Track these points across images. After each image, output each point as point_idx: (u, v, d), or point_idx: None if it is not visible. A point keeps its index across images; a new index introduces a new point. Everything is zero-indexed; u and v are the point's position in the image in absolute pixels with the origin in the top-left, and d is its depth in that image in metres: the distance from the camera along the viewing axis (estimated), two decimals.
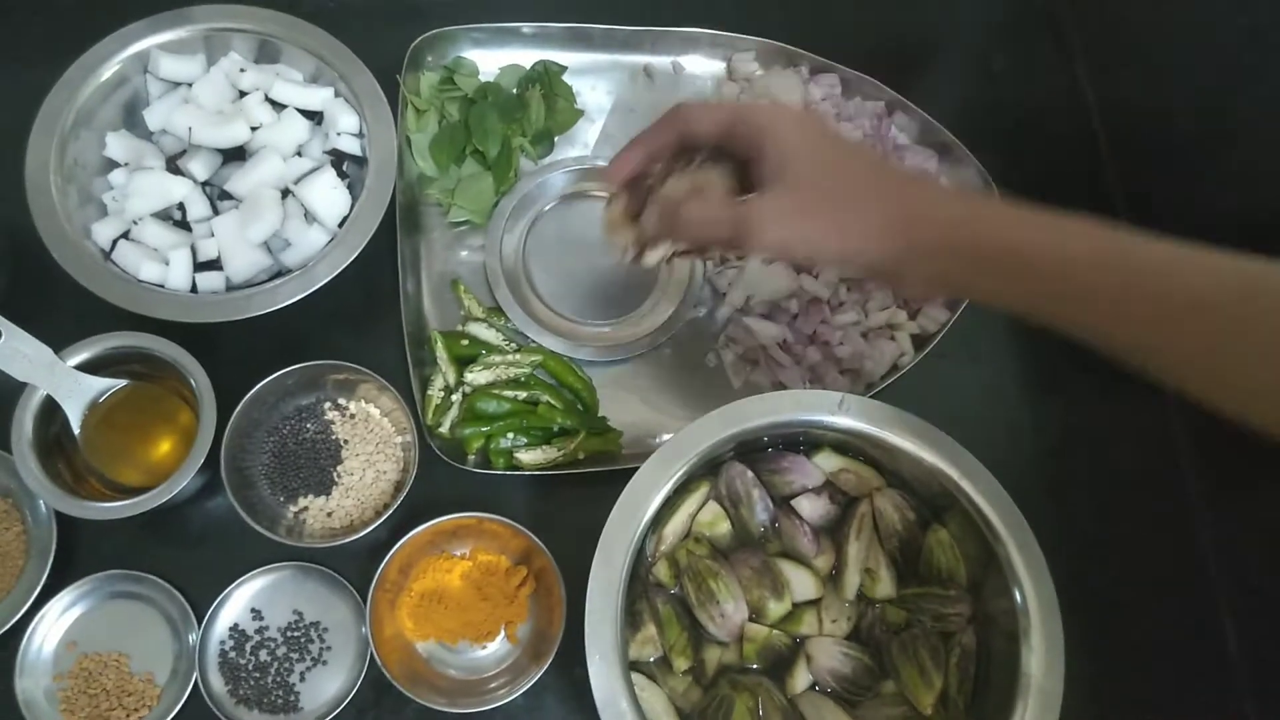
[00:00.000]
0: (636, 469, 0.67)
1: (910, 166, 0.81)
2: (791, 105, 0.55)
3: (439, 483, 0.72)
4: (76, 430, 0.66)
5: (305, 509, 0.71)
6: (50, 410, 0.66)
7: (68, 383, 0.65)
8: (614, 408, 0.77)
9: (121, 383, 0.67)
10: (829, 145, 0.55)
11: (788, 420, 0.62)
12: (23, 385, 0.65)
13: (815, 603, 0.64)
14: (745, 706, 0.60)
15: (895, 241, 0.53)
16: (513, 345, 0.76)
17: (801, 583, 0.63)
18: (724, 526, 0.65)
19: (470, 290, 0.78)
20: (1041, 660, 0.57)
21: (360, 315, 0.78)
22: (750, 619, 0.62)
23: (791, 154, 0.54)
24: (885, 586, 0.63)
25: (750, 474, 0.65)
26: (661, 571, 0.63)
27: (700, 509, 0.65)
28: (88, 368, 0.66)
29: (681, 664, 0.61)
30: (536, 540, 0.68)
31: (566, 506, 0.71)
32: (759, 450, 0.66)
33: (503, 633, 0.70)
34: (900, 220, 0.53)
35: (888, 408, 0.62)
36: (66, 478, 0.66)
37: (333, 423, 0.73)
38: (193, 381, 0.66)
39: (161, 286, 0.69)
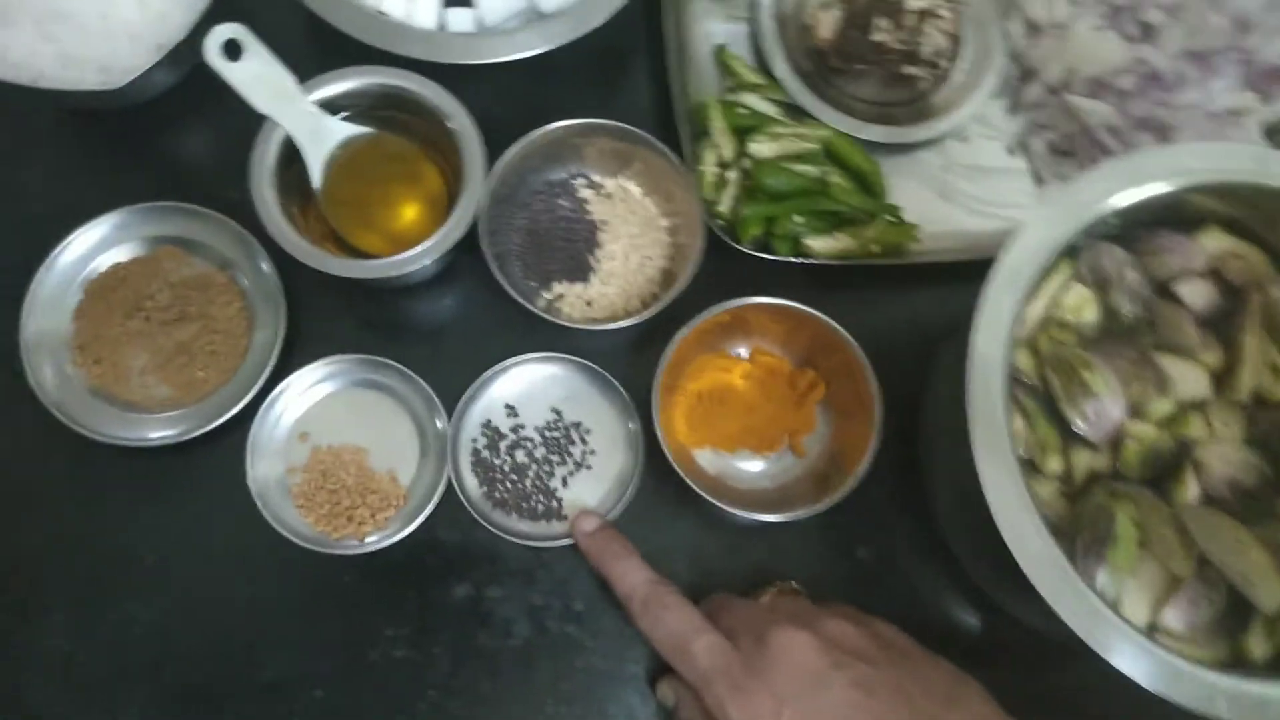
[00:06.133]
0: (931, 266, 0.60)
1: None
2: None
3: (710, 270, 0.61)
4: (316, 182, 0.56)
5: (560, 296, 0.61)
6: (284, 158, 0.56)
7: (309, 122, 0.55)
8: (900, 199, 0.66)
9: (367, 130, 0.57)
10: None
11: (1204, 183, 0.51)
12: (246, 131, 0.56)
13: (1200, 405, 0.53)
14: (1128, 517, 0.50)
15: None
16: (789, 120, 0.65)
17: (1187, 379, 0.52)
18: (1090, 313, 0.54)
19: (740, 57, 0.66)
20: None
21: (611, 81, 0.67)
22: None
23: None
24: None
25: (1121, 251, 0.54)
26: (1021, 360, 0.53)
27: (1062, 290, 0.54)
28: (326, 110, 0.56)
29: (1054, 465, 0.51)
30: (843, 332, 0.58)
31: (856, 304, 0.61)
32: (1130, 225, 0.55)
33: (786, 444, 0.61)
34: None
35: None
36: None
37: (587, 201, 0.63)
38: (453, 127, 0.56)
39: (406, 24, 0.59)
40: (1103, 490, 0.51)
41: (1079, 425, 0.52)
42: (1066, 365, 0.52)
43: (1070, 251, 0.55)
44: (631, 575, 0.53)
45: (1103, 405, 0.51)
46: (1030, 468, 0.52)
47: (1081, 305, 0.54)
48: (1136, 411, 0.52)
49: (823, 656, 0.48)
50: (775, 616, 0.50)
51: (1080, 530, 0.50)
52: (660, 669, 0.55)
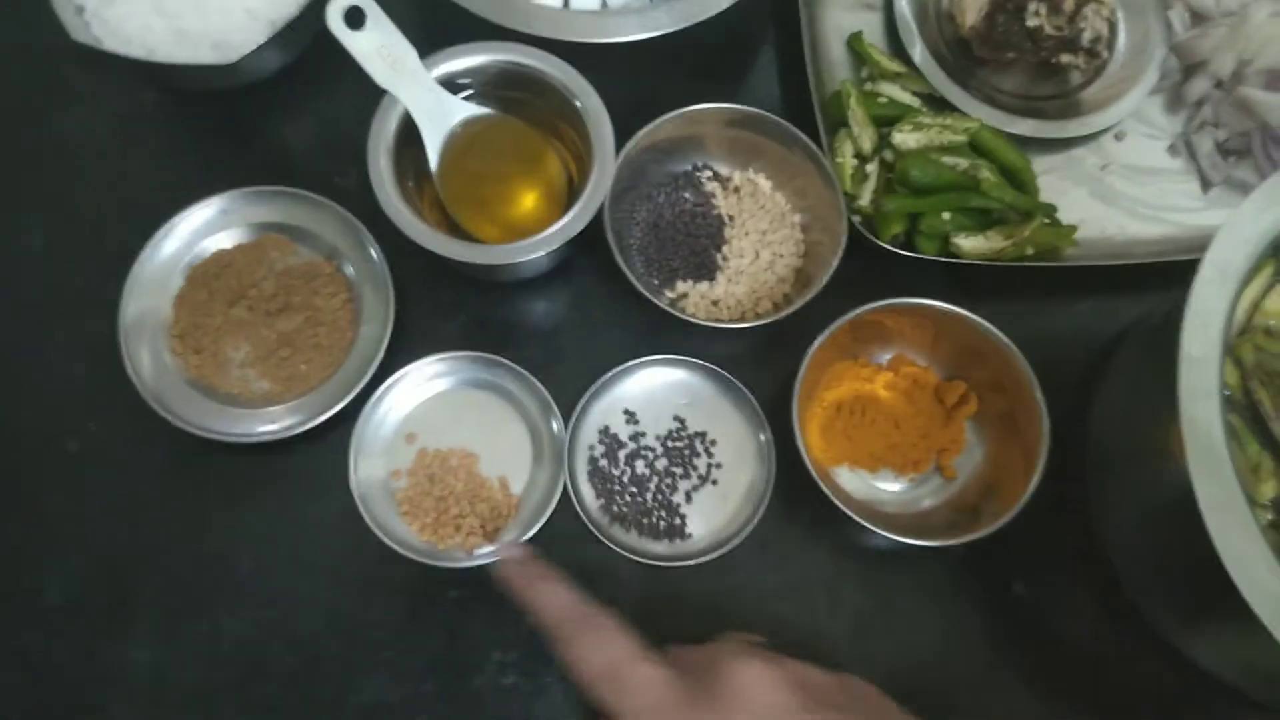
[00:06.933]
0: (1089, 269, 0.56)
1: None
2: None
3: (844, 269, 0.55)
4: (433, 163, 0.53)
5: (684, 295, 0.57)
6: (399, 139, 0.52)
7: (429, 99, 0.52)
8: (1049, 199, 0.60)
9: (488, 110, 0.53)
10: None
11: None
12: (356, 117, 0.52)
13: None
14: None
15: None
16: (930, 112, 0.60)
17: None
18: None
19: (876, 45, 0.62)
20: None
21: (737, 70, 0.63)
22: None
23: None
24: None
25: None
26: (1224, 370, 0.47)
27: (1265, 295, 0.48)
28: (446, 88, 0.53)
29: (1267, 491, 0.45)
30: (1004, 339, 0.52)
31: (1006, 311, 0.55)
32: None
33: (934, 464, 0.55)
34: None
35: None
36: None
37: (713, 195, 0.59)
38: (580, 106, 0.52)
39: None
40: None
41: None
42: (1277, 377, 0.46)
43: (1274, 250, 0.49)
44: (559, 597, 0.44)
45: None
46: None
47: None
48: None
49: (789, 696, 0.39)
50: (733, 648, 0.42)
51: None
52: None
